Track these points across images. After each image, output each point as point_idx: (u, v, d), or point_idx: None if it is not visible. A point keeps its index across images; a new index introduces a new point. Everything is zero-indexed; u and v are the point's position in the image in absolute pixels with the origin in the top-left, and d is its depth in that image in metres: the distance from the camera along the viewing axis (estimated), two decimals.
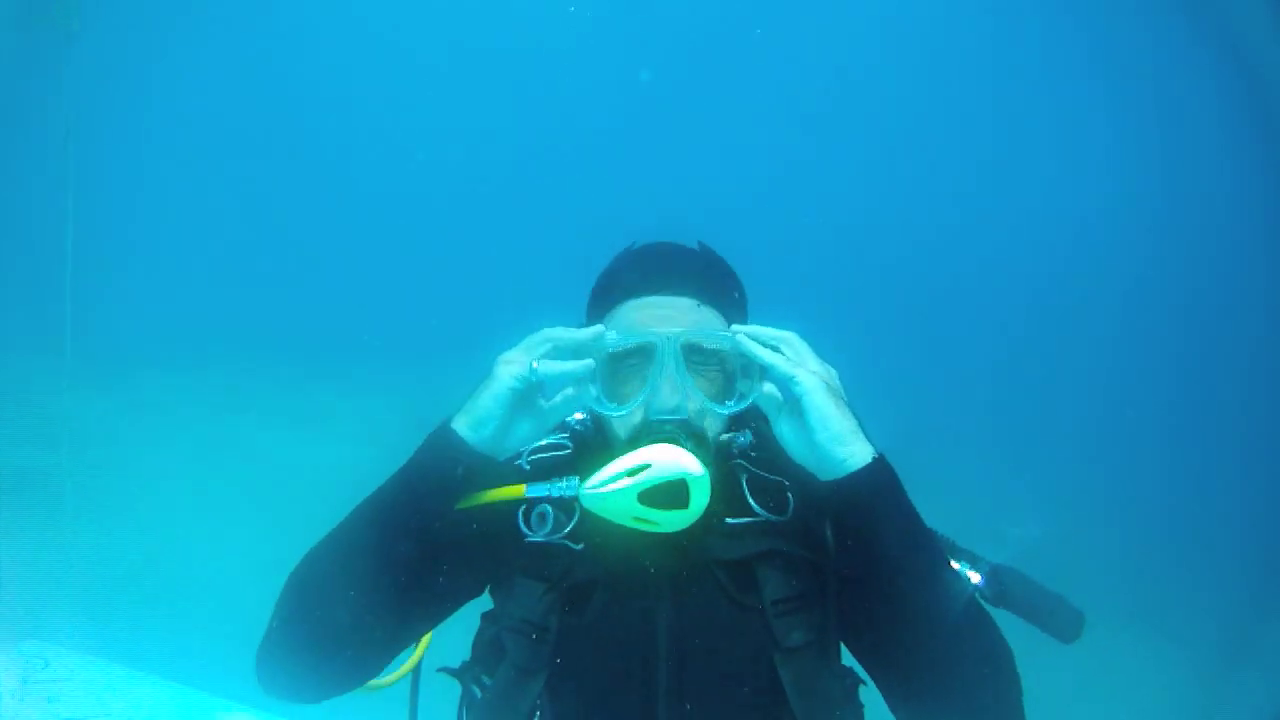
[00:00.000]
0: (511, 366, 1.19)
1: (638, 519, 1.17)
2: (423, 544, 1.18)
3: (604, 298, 1.36)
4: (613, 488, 1.16)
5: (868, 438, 1.17)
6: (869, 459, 1.15)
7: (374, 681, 1.39)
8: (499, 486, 1.24)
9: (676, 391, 1.20)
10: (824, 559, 1.24)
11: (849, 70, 16.01)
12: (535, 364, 1.18)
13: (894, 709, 1.21)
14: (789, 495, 1.29)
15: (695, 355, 1.25)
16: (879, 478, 1.15)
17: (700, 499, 1.15)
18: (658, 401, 1.20)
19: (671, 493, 1.14)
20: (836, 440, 1.15)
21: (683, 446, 1.16)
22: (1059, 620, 1.29)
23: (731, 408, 1.25)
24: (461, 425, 1.19)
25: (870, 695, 1.33)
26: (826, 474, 1.17)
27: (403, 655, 1.39)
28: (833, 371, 1.23)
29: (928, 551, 1.17)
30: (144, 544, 5.53)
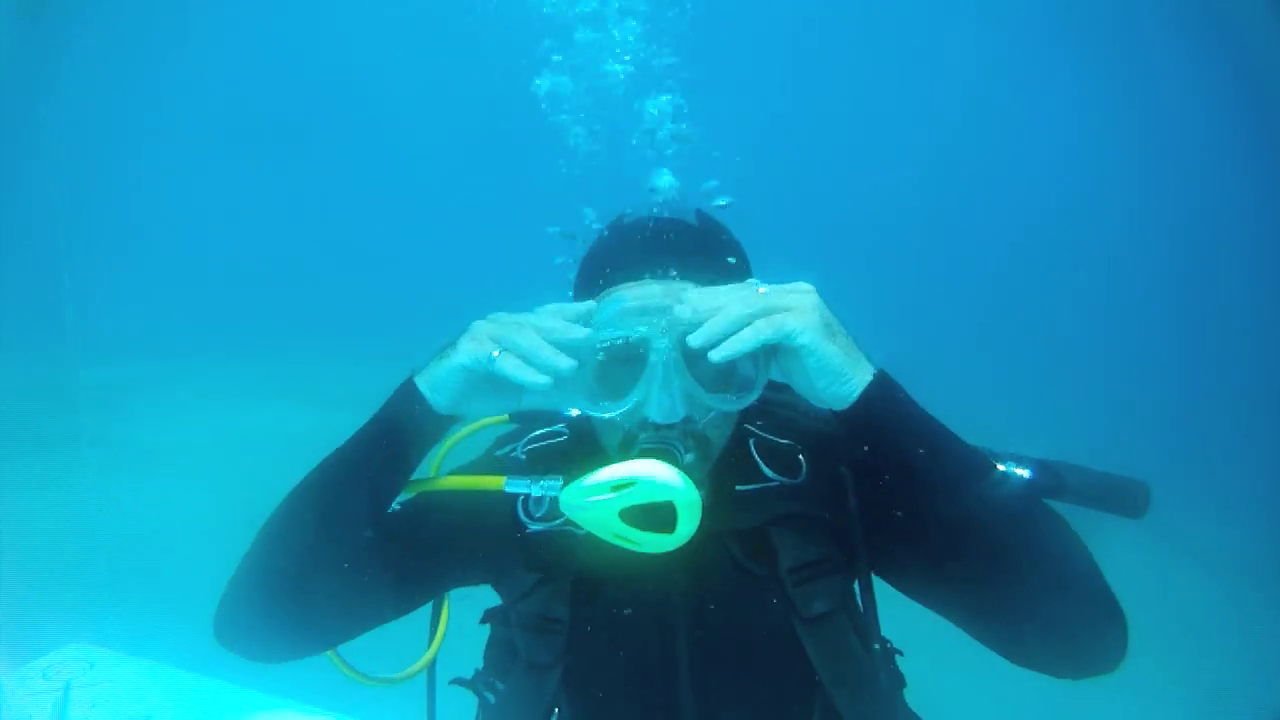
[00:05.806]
0: (475, 345, 1.09)
1: (618, 536, 1.07)
2: (376, 501, 1.15)
3: (594, 278, 1.24)
4: (593, 499, 1.06)
5: (866, 355, 1.08)
6: (868, 379, 1.06)
7: (383, 677, 1.35)
8: (481, 475, 1.18)
9: (671, 395, 1.07)
10: (843, 515, 1.16)
11: None
12: (496, 354, 1.07)
13: (978, 635, 1.11)
14: (800, 457, 1.22)
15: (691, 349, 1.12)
16: (884, 392, 1.06)
17: (687, 526, 1.04)
18: (651, 406, 1.08)
19: (657, 514, 1.04)
20: (838, 379, 1.05)
21: (679, 461, 1.05)
22: (1123, 496, 1.17)
23: (734, 404, 1.12)
24: (423, 383, 1.13)
25: (908, 665, 1.26)
26: (840, 409, 1.08)
27: (413, 656, 1.34)
28: (809, 290, 1.08)
29: (956, 452, 1.07)
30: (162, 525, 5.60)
